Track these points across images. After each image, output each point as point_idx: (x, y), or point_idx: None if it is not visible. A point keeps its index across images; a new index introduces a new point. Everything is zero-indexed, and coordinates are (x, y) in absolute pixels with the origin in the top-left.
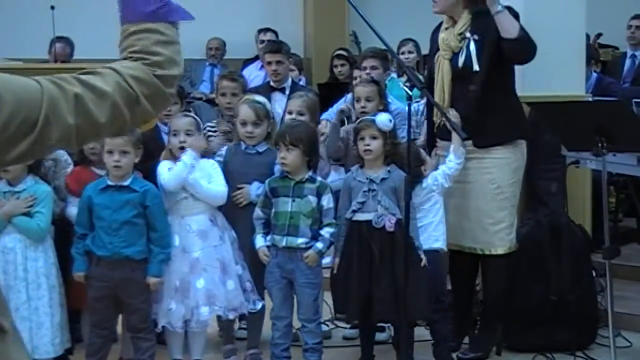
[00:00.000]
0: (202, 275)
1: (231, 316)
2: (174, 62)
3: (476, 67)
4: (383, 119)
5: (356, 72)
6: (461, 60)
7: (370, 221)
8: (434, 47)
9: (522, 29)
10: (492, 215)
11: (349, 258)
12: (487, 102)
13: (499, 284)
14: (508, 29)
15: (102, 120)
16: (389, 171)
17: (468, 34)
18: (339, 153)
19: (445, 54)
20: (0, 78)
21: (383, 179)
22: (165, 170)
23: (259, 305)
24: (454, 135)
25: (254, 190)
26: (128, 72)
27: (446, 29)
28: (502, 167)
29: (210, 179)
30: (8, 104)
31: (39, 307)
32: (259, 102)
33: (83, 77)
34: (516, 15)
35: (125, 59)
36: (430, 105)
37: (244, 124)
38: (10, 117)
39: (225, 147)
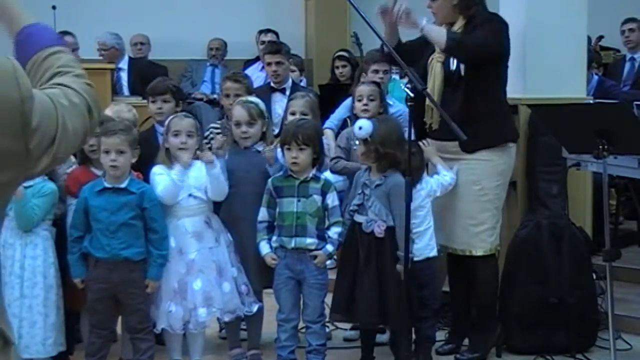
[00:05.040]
0: (199, 276)
1: (227, 319)
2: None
3: (462, 72)
4: (356, 125)
5: (364, 78)
6: (452, 64)
7: (361, 224)
8: (428, 48)
9: (450, 38)
10: (474, 217)
11: (342, 255)
12: (471, 107)
13: (487, 284)
14: (437, 41)
15: (80, 130)
16: (384, 176)
17: None
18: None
19: (439, 57)
20: (36, 97)
21: (377, 185)
22: (159, 183)
23: (255, 308)
24: (436, 159)
25: (280, 158)
26: (73, 85)
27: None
28: (487, 169)
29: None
30: (42, 126)
31: (33, 306)
32: (252, 102)
33: (64, 89)
34: (504, 22)
35: (53, 76)
36: (418, 107)
37: (238, 124)
38: (43, 134)
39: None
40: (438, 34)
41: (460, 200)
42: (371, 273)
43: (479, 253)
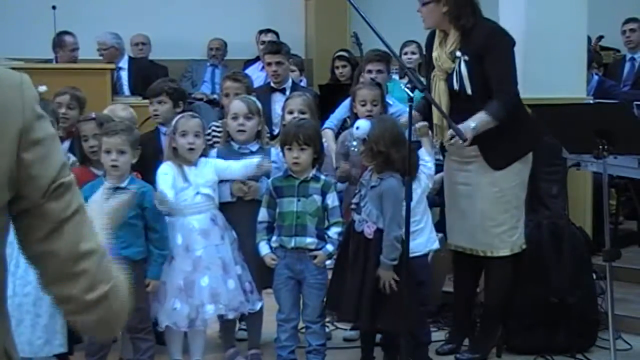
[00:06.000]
0: (206, 273)
1: (231, 316)
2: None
3: (469, 91)
4: (354, 126)
5: (362, 79)
6: (455, 83)
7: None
8: (430, 58)
9: (496, 119)
10: (494, 218)
11: (338, 251)
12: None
13: (501, 286)
14: (489, 126)
15: (84, 245)
16: (380, 178)
17: (458, 53)
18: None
19: (441, 75)
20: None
21: (373, 186)
22: (164, 183)
23: (258, 306)
24: (424, 140)
25: (265, 187)
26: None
27: (439, 44)
28: (505, 170)
29: (223, 169)
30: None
31: (22, 304)
32: (250, 98)
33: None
34: (505, 34)
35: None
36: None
37: (235, 117)
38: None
39: (214, 150)
40: (485, 125)
41: (479, 202)
42: (356, 272)
43: (501, 254)
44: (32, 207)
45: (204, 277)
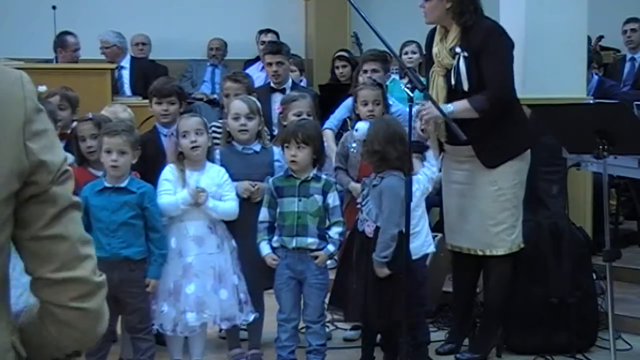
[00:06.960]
0: (194, 280)
1: (224, 326)
2: None
3: (466, 87)
4: (355, 128)
5: (361, 79)
6: (453, 78)
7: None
8: (430, 57)
9: (477, 109)
10: (493, 217)
11: (343, 250)
12: (482, 121)
13: (500, 285)
14: (467, 116)
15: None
16: (381, 177)
17: (458, 49)
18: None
19: (440, 70)
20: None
21: (374, 185)
22: (165, 196)
23: (251, 318)
24: (431, 144)
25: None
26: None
27: (440, 40)
28: (503, 169)
29: (222, 192)
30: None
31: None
32: (250, 98)
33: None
34: (503, 33)
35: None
36: None
37: (236, 118)
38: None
39: (217, 152)
40: (464, 111)
41: (479, 202)
42: (360, 271)
43: (499, 252)
44: (41, 193)
45: (190, 284)
